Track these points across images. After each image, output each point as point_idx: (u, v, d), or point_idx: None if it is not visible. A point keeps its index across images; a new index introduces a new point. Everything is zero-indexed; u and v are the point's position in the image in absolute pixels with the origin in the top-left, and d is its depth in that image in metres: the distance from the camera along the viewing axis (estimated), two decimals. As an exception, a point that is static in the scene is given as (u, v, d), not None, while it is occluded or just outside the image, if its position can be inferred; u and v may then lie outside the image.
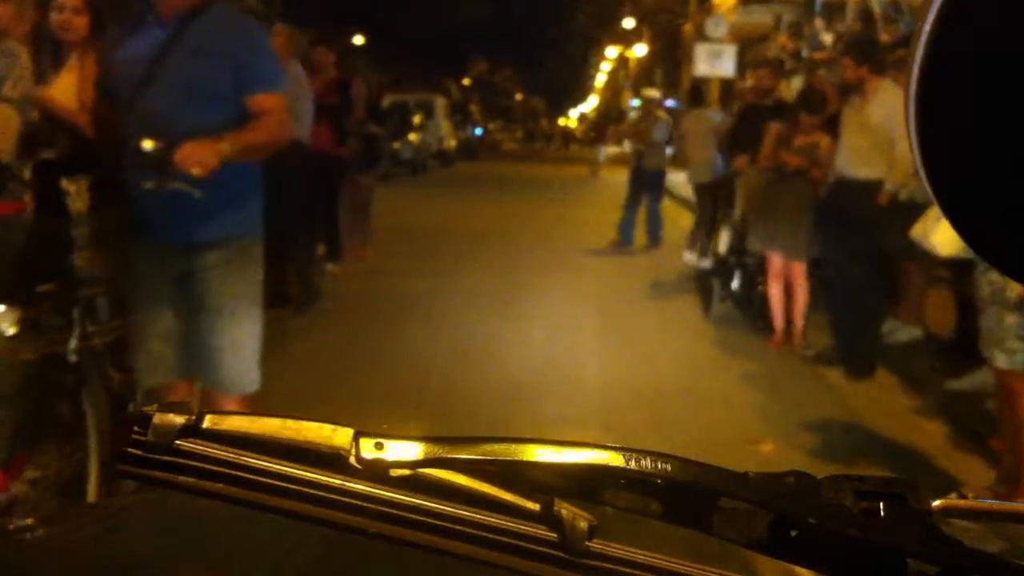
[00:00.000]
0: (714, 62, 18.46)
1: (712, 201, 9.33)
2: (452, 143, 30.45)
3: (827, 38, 13.26)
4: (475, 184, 21.87)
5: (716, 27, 18.82)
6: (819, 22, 14.16)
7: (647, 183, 11.56)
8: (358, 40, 36.01)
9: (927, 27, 0.44)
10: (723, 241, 7.93)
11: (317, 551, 0.76)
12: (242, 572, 0.75)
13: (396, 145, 21.76)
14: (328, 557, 0.76)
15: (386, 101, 27.34)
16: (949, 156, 0.47)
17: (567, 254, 11.42)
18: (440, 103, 29.42)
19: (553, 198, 18.35)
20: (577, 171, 28.27)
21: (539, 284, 9.07)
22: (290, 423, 0.72)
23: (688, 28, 28.95)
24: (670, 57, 32.92)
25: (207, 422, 0.72)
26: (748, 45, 19.23)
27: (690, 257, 10.00)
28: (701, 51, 18.85)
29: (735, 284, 7.55)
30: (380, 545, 0.67)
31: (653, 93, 13.21)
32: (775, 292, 6.62)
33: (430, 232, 12.22)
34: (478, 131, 42.64)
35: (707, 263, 9.55)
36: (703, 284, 8.22)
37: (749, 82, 9.83)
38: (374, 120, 9.51)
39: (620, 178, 25.79)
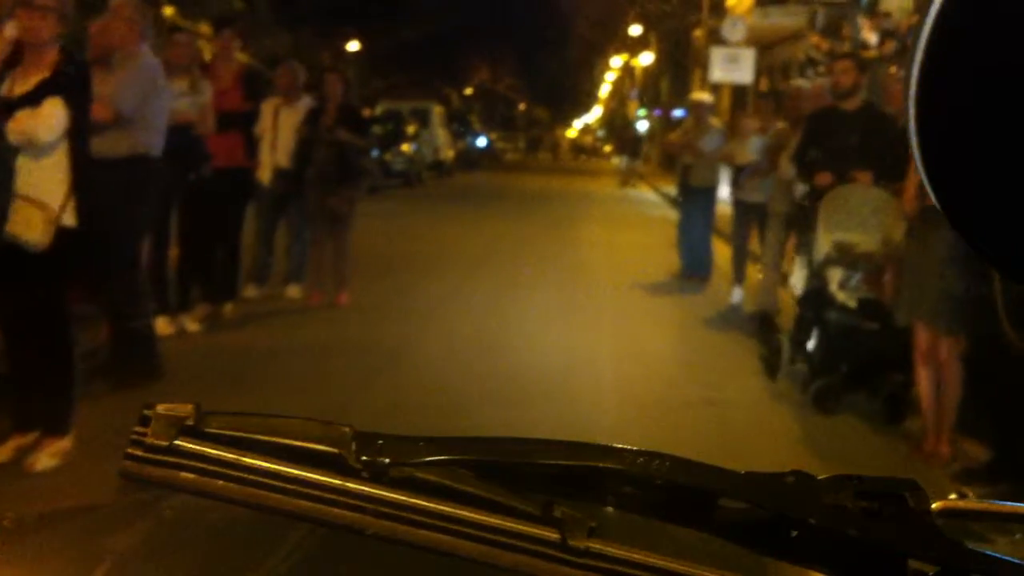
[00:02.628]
0: (730, 67, 18.25)
1: (760, 227, 8.18)
2: (449, 153, 30.00)
3: (872, 36, 13.01)
4: (472, 199, 20.58)
5: (733, 30, 18.44)
6: (862, 19, 13.78)
7: (695, 203, 10.19)
8: (353, 45, 36.12)
9: (927, 27, 0.47)
10: (796, 283, 6.33)
11: (316, 551, 0.79)
12: (241, 572, 0.78)
13: (387, 156, 21.37)
14: (327, 557, 0.79)
15: (379, 108, 27.17)
16: (949, 156, 0.49)
17: (578, 289, 9.56)
18: (436, 111, 29.07)
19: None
20: (588, 185, 26.97)
21: (541, 330, 7.38)
22: (290, 423, 0.76)
23: (698, 34, 29.01)
24: (678, 65, 33.00)
25: (207, 422, 0.76)
26: (766, 49, 19.02)
27: (739, 297, 8.79)
28: (717, 56, 18.56)
29: (811, 345, 5.83)
30: (380, 545, 0.70)
31: (703, 97, 11.31)
32: (924, 378, 5.06)
33: (414, 259, 10.56)
34: (480, 141, 41.75)
35: (737, 297, 8.70)
36: (767, 341, 6.38)
37: (818, 81, 8.43)
38: (349, 126, 7.85)
39: (633, 193, 25.01)
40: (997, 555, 0.64)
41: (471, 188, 24.38)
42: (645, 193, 24.82)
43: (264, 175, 7.59)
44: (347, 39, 35.42)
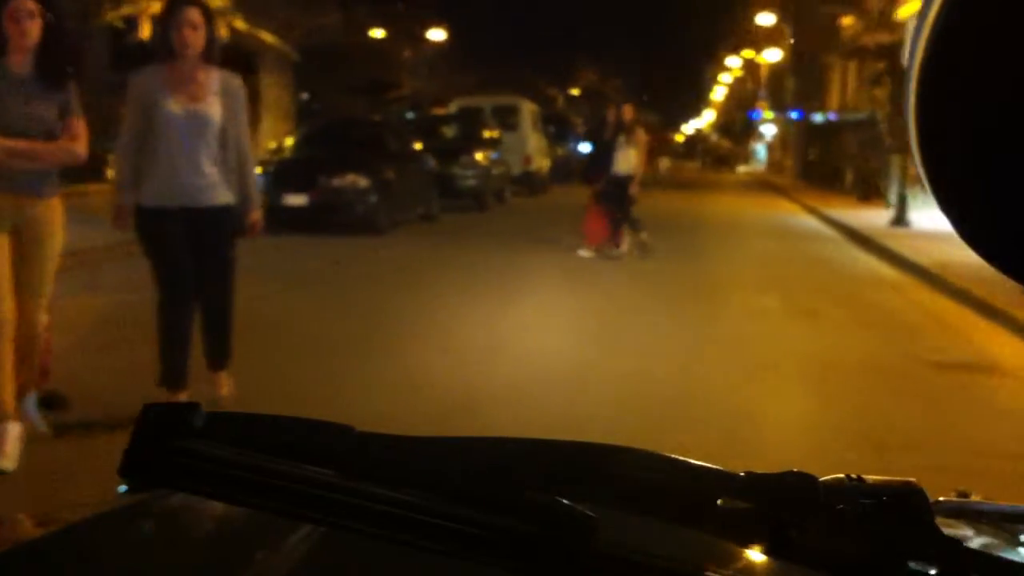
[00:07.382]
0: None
1: None
2: (544, 163, 26.53)
3: None
4: (557, 232, 15.56)
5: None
6: None
7: None
8: (438, 35, 36.13)
9: (927, 27, 0.54)
10: None
11: (316, 551, 0.89)
12: (241, 572, 0.88)
13: (454, 169, 18.26)
14: (327, 557, 0.90)
15: (453, 105, 24.99)
16: (949, 156, 0.57)
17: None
18: (527, 109, 25.61)
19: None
20: (718, 204, 22.53)
21: None
22: (290, 423, 0.87)
23: (847, 21, 28.61)
24: (810, 62, 32.68)
25: (207, 422, 0.88)
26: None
27: None
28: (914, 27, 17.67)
29: None
30: (380, 545, 0.81)
31: None
32: None
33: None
34: (585, 147, 40.28)
35: None
36: None
37: None
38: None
39: (784, 218, 20.42)
40: (997, 555, 0.72)
41: (563, 209, 18.87)
42: (798, 217, 21.12)
43: None
44: (424, 25, 35.33)
